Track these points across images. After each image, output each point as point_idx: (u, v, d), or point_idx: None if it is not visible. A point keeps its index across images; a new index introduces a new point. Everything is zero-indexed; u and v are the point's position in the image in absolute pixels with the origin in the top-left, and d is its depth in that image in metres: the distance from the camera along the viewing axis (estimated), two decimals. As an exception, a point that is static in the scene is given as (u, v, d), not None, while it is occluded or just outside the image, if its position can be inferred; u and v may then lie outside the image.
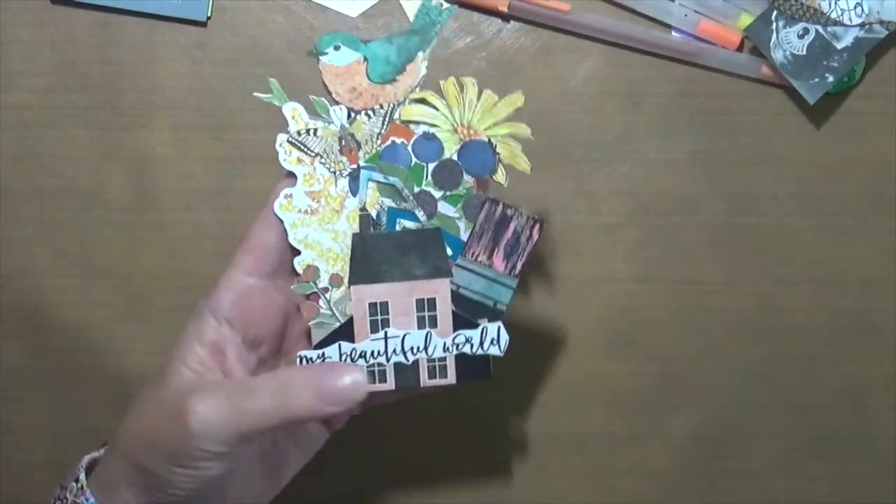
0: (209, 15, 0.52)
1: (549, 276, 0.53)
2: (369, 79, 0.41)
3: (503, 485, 0.54)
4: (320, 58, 0.41)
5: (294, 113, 0.40)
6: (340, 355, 0.39)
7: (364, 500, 0.54)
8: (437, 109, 0.41)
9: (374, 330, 0.40)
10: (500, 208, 0.40)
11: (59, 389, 0.53)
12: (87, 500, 0.38)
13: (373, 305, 0.40)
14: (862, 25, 0.50)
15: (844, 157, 0.53)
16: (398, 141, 0.41)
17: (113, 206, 0.53)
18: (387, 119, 0.41)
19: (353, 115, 0.41)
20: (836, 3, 0.50)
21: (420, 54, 0.41)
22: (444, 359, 0.40)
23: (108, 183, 0.53)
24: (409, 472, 0.54)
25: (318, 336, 0.40)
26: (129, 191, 0.53)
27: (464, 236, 0.40)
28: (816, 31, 0.50)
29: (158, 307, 0.53)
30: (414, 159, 0.41)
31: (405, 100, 0.41)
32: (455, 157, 0.41)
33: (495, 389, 0.52)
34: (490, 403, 0.53)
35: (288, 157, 0.40)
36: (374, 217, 0.40)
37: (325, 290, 0.40)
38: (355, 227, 0.40)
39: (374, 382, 0.39)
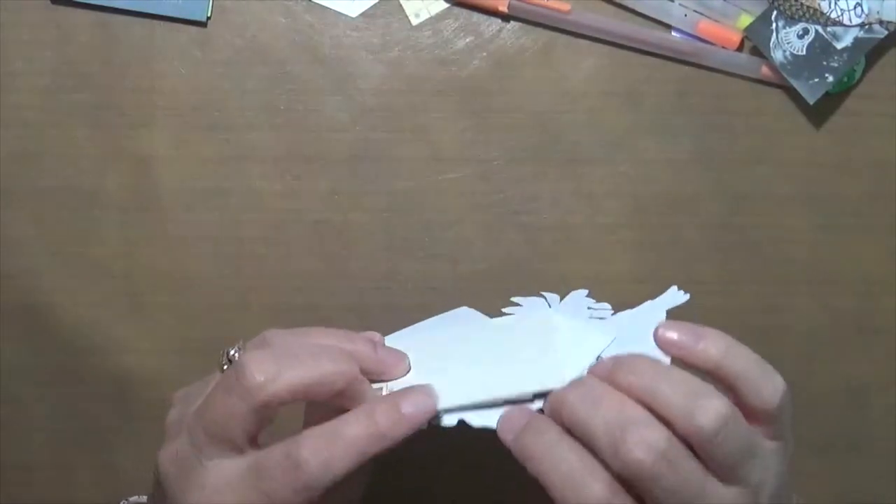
0: (209, 15, 0.52)
1: (549, 277, 0.53)
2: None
3: (502, 485, 0.54)
4: None
5: None
6: None
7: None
8: None
9: None
10: None
11: (59, 389, 0.53)
12: None
13: None
14: (862, 25, 0.50)
15: (844, 157, 0.53)
16: None
17: (113, 206, 0.53)
18: None
19: None
20: (836, 3, 0.50)
21: None
22: None
23: (108, 183, 0.53)
24: (407, 470, 0.54)
25: None
26: (129, 191, 0.53)
27: None
28: (816, 31, 0.50)
29: (158, 307, 0.53)
30: None
31: None
32: None
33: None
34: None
35: None
36: None
37: None
38: None
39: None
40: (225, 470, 0.35)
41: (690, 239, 0.53)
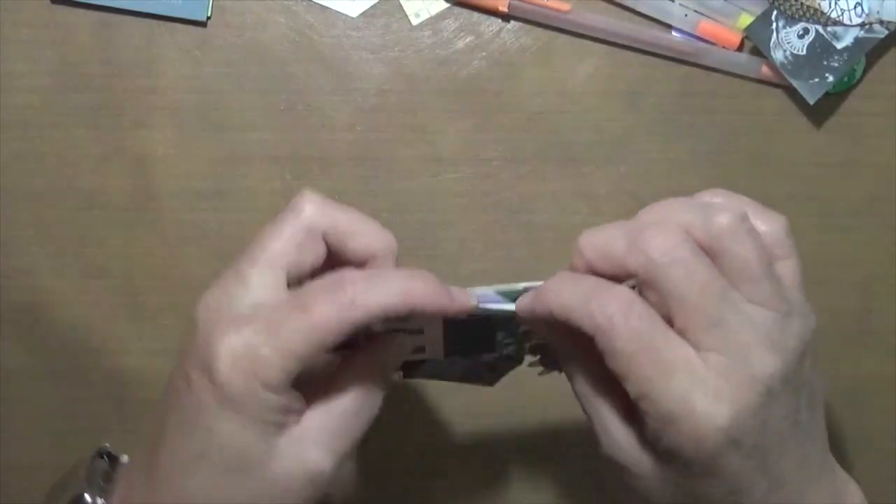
0: (209, 15, 0.52)
1: (549, 277, 0.53)
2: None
3: (504, 484, 0.54)
4: None
5: None
6: None
7: (364, 498, 0.54)
8: None
9: None
10: None
11: (59, 389, 0.53)
12: None
13: None
14: (862, 25, 0.50)
15: (844, 157, 0.52)
16: None
17: (113, 206, 0.53)
18: None
19: None
20: (836, 3, 0.50)
21: None
22: None
23: (108, 183, 0.53)
24: (410, 470, 0.54)
25: None
26: (129, 191, 0.53)
27: None
28: (816, 31, 0.50)
29: (158, 307, 0.53)
30: None
31: None
32: None
33: (497, 389, 0.52)
34: (492, 403, 0.53)
35: None
36: None
37: None
38: None
39: None
40: (269, 295, 0.34)
41: (690, 239, 0.53)
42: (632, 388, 0.31)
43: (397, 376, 0.40)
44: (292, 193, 0.52)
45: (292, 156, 0.53)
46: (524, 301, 0.36)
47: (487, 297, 0.37)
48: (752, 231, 0.33)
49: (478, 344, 0.41)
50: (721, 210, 0.33)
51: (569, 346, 0.36)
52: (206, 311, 0.34)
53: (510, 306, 0.37)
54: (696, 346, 0.31)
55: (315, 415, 0.34)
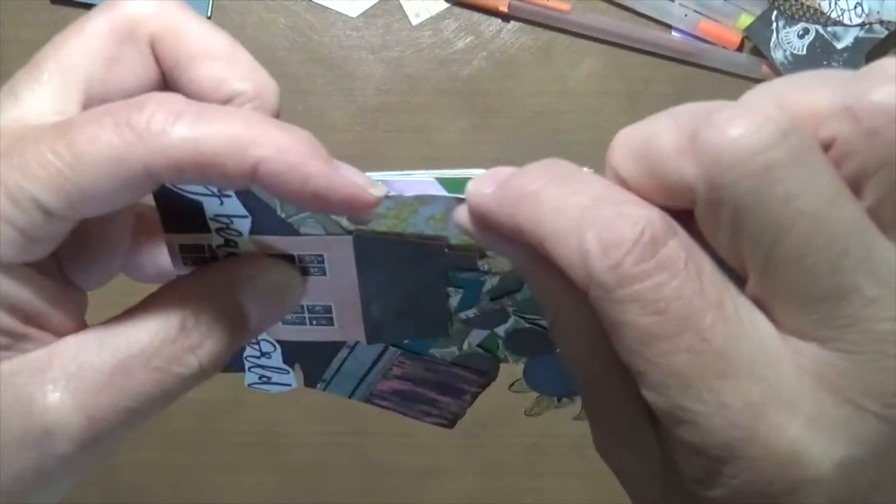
0: (209, 15, 0.52)
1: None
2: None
3: (504, 484, 0.54)
4: None
5: None
6: None
7: (363, 499, 0.54)
8: None
9: None
10: None
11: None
12: None
13: None
14: (862, 25, 0.50)
15: (844, 157, 0.53)
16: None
17: (113, 206, 0.53)
18: None
19: None
20: (836, 3, 0.50)
21: None
22: None
23: (108, 183, 0.53)
24: (409, 471, 0.54)
25: None
26: (130, 191, 0.53)
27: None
28: (816, 31, 0.50)
29: (158, 307, 0.53)
30: None
31: None
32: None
33: (495, 388, 0.52)
34: (490, 403, 0.53)
35: None
36: None
37: None
38: None
39: None
40: (45, 115, 0.22)
41: (690, 239, 0.53)
42: (655, 400, 0.18)
43: (297, 381, 0.27)
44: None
45: (292, 156, 0.53)
46: (481, 189, 0.22)
47: (419, 188, 0.23)
48: None
49: (416, 301, 0.25)
50: (882, 81, 0.17)
51: (553, 288, 0.21)
52: None
53: (458, 195, 0.23)
54: (787, 329, 0.18)
55: (79, 345, 0.21)
